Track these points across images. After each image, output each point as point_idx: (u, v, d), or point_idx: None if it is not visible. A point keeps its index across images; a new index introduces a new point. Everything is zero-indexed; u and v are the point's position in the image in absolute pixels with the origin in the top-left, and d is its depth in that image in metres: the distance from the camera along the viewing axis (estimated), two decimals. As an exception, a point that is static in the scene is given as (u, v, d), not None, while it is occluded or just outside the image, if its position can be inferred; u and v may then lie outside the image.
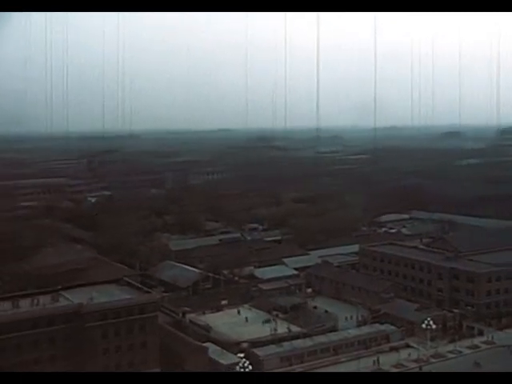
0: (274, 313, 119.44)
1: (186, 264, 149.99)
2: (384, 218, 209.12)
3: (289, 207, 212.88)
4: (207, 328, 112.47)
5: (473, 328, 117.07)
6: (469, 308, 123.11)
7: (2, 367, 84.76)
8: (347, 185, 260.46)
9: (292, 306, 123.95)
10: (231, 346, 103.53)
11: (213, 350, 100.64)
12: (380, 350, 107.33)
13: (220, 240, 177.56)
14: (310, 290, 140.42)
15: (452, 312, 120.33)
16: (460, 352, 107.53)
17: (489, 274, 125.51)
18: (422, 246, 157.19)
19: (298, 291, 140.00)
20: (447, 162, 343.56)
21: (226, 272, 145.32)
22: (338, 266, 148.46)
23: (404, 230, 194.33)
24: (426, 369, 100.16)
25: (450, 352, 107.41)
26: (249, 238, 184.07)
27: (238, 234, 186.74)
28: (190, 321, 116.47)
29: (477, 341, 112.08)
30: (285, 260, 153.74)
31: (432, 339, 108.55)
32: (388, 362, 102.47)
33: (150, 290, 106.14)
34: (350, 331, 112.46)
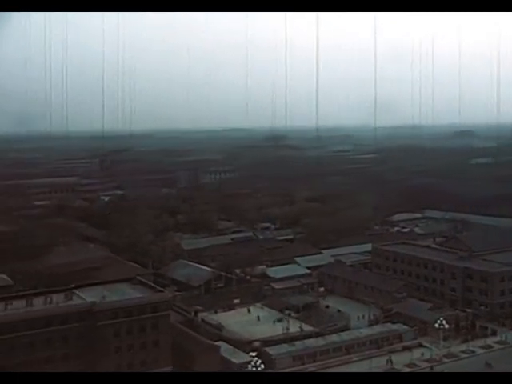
0: (287, 312, 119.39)
1: (198, 263, 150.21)
2: (396, 217, 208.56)
3: (301, 206, 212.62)
4: (219, 327, 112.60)
5: (486, 328, 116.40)
6: (482, 308, 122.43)
7: (16, 365, 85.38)
8: (359, 184, 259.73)
9: (304, 305, 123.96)
10: (243, 345, 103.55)
11: (225, 348, 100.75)
12: (392, 350, 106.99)
13: (232, 239, 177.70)
14: (322, 289, 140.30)
15: (465, 312, 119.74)
16: (473, 352, 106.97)
17: (502, 274, 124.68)
18: (434, 246, 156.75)
19: (310, 290, 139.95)
20: (459, 161, 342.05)
21: (238, 271, 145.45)
22: (350, 266, 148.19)
23: (417, 230, 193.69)
24: (438, 369, 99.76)
25: (463, 352, 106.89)
26: (261, 237, 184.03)
27: (251, 233, 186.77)
28: (202, 320, 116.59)
29: (490, 341, 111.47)
30: (297, 259, 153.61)
31: (445, 339, 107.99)
32: (401, 362, 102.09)
33: (162, 289, 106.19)
34: (362, 330, 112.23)
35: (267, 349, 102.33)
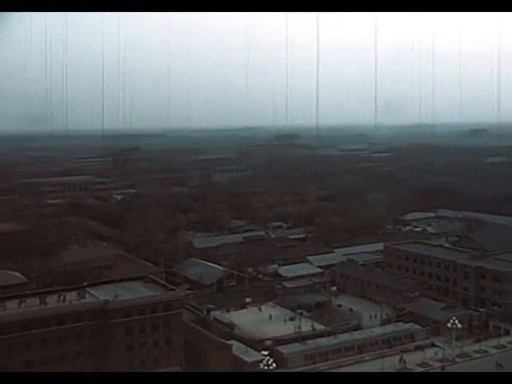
0: (298, 311, 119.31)
1: (210, 261, 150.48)
2: (409, 216, 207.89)
3: (313, 205, 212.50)
4: (231, 325, 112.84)
5: (499, 328, 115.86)
6: (495, 307, 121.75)
7: (29, 363, 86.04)
8: (371, 183, 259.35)
9: (316, 304, 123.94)
10: (255, 344, 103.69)
11: (237, 347, 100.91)
12: (405, 349, 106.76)
13: (244, 238, 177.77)
14: (334, 288, 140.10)
15: (478, 311, 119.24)
16: (486, 352, 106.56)
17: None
18: (447, 245, 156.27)
19: (322, 289, 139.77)
20: (473, 160, 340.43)
21: (250, 270, 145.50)
22: (362, 265, 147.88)
23: (429, 229, 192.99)
24: (450, 369, 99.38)
25: (476, 352, 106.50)
26: (273, 235, 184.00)
27: (263, 232, 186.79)
28: (215, 318, 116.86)
29: (503, 340, 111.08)
30: (309, 258, 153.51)
31: (457, 339, 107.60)
32: (413, 361, 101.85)
33: (174, 288, 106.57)
34: (374, 330, 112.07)
35: (279, 348, 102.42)
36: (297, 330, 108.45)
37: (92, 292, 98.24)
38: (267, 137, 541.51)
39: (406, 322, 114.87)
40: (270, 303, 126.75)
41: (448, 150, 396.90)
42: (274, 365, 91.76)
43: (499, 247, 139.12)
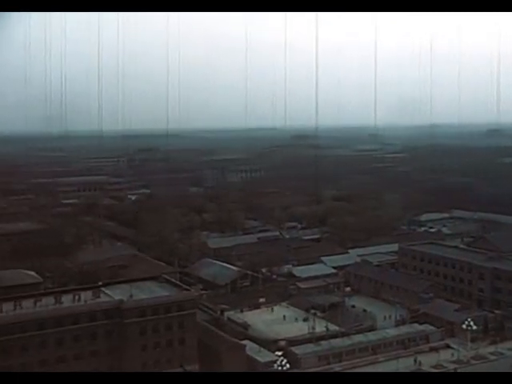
0: (312, 311, 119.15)
1: (224, 262, 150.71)
2: (424, 216, 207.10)
3: (327, 205, 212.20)
4: (245, 325, 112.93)
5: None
6: (511, 309, 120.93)
7: (45, 362, 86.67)
8: (386, 183, 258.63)
9: (330, 305, 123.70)
10: (269, 344, 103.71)
11: (250, 347, 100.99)
12: (419, 351, 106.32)
13: (258, 238, 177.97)
14: (348, 288, 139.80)
15: (493, 313, 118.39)
16: (501, 354, 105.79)
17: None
18: (462, 246, 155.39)
19: (336, 290, 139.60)
20: (488, 160, 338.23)
21: (264, 270, 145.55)
22: (377, 265, 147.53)
23: (444, 230, 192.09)
24: (465, 371, 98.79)
25: (492, 354, 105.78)
26: (287, 236, 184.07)
27: (277, 233, 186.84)
28: (228, 318, 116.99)
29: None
30: (323, 258, 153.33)
31: (472, 340, 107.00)
32: (427, 363, 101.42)
33: (188, 288, 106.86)
34: (388, 331, 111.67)
35: (293, 348, 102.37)
36: (311, 330, 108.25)
37: (107, 292, 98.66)
38: (281, 137, 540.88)
39: (420, 324, 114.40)
40: (284, 304, 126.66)
41: (462, 150, 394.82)
42: (288, 365, 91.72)
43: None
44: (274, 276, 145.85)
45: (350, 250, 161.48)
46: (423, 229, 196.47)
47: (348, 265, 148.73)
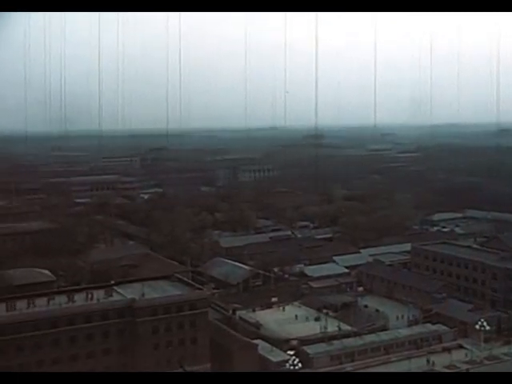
0: (324, 311, 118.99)
1: (236, 261, 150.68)
2: (437, 216, 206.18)
3: (340, 205, 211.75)
4: (257, 325, 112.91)
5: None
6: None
7: (58, 360, 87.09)
8: (398, 183, 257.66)
9: (342, 305, 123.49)
10: (281, 344, 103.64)
11: (262, 346, 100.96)
12: (432, 351, 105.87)
13: (270, 237, 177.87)
14: (360, 288, 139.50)
15: (507, 313, 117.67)
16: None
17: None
18: (476, 246, 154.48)
19: (348, 289, 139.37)
20: (500, 160, 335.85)
21: (276, 269, 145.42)
22: (389, 265, 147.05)
23: (457, 229, 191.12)
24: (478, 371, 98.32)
25: (505, 354, 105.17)
26: (299, 235, 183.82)
27: (289, 232, 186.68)
28: (240, 317, 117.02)
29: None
30: (335, 258, 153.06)
31: (486, 341, 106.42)
32: (440, 363, 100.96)
33: (200, 287, 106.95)
34: (401, 331, 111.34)
35: (305, 348, 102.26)
36: (323, 330, 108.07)
37: (119, 290, 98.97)
38: (293, 137, 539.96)
39: (433, 324, 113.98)
40: (296, 303, 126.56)
41: (473, 150, 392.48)
42: (300, 365, 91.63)
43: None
44: (286, 275, 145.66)
45: (362, 250, 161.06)
46: (436, 228, 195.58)
47: (360, 264, 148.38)
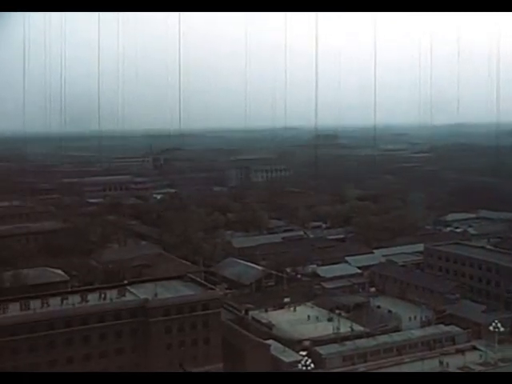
0: (337, 311, 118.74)
1: (249, 261, 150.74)
2: (450, 216, 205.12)
3: (352, 205, 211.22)
4: (270, 325, 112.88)
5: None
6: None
7: (71, 359, 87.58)
8: (411, 183, 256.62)
9: (355, 305, 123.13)
10: (293, 344, 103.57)
11: (275, 347, 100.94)
12: (445, 352, 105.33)
13: (283, 238, 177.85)
14: (373, 289, 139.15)
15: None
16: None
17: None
18: (489, 247, 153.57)
19: (361, 290, 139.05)
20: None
21: (288, 270, 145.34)
22: (402, 265, 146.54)
23: (470, 230, 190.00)
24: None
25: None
26: (312, 235, 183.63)
27: (301, 232, 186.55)
28: (253, 318, 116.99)
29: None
30: (348, 258, 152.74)
31: (500, 342, 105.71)
32: (454, 365, 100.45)
33: (213, 287, 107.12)
34: (413, 332, 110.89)
35: (317, 348, 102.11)
36: (335, 330, 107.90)
37: (132, 290, 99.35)
38: (305, 137, 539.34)
39: (446, 325, 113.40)
40: (309, 303, 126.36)
41: (488, 149, 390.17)
42: (312, 365, 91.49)
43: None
44: (299, 276, 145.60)
45: (374, 250, 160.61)
46: (449, 229, 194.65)
47: (373, 265, 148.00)
